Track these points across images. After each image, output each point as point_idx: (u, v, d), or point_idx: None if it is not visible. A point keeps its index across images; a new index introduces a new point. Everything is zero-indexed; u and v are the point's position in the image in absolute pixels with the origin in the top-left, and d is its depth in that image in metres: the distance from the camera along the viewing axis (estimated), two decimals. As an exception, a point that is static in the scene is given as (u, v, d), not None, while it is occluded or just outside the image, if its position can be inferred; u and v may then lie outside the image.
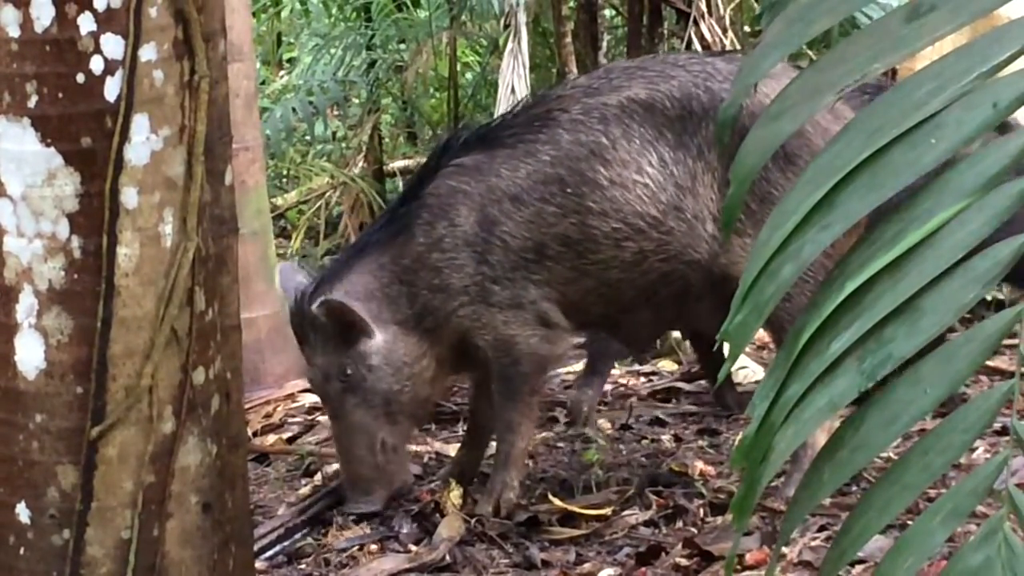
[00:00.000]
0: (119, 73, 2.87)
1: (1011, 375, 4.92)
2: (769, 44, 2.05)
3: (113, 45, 2.86)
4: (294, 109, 9.85)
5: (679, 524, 4.37)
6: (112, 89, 2.87)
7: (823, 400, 1.69)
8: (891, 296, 1.71)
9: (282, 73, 11.95)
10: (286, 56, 12.34)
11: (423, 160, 4.72)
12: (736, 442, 5.01)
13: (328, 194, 10.05)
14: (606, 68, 4.85)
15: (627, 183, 4.38)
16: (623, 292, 4.48)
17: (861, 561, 3.75)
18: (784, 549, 4.00)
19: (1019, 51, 1.79)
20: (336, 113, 11.16)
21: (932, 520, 1.63)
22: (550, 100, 4.55)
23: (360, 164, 10.38)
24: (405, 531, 4.49)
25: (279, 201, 9.98)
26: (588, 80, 4.61)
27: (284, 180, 10.72)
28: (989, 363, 5.00)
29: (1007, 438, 4.16)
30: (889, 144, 1.78)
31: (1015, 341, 1.74)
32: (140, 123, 2.89)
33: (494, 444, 4.91)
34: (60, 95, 2.86)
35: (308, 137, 10.60)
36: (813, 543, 4.00)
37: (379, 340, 4.49)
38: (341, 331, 4.45)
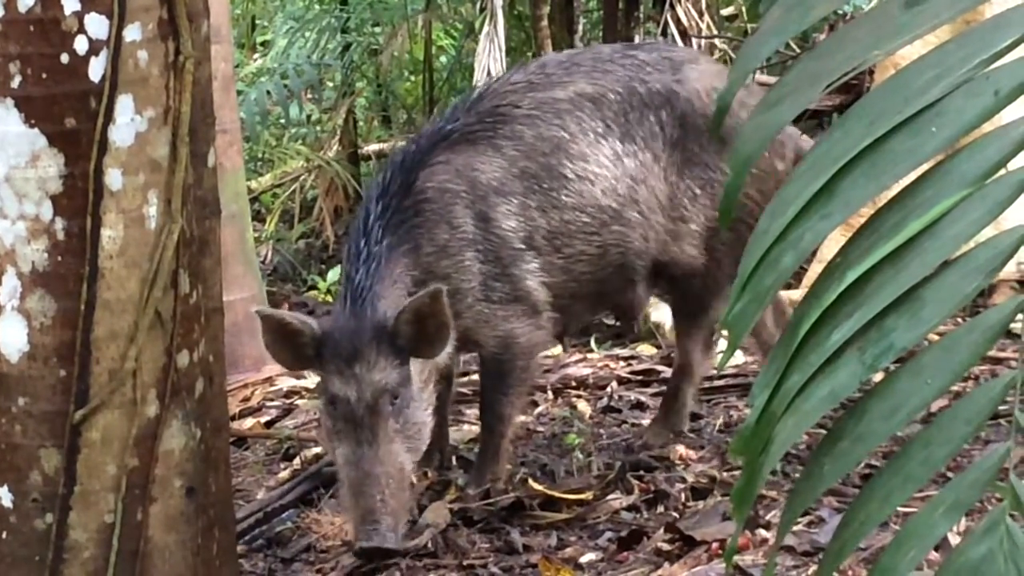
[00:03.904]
0: (103, 53, 2.86)
1: (994, 362, 4.94)
2: (767, 31, 2.03)
3: (97, 25, 2.84)
4: (269, 92, 9.80)
5: (661, 508, 4.36)
6: (96, 70, 2.86)
7: (824, 391, 1.67)
8: (892, 286, 1.69)
9: (256, 56, 11.91)
10: (260, 39, 12.30)
11: (397, 147, 4.53)
12: (716, 426, 5.02)
13: (303, 177, 10.03)
14: (539, 63, 4.74)
15: (590, 176, 4.44)
16: (583, 285, 4.51)
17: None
18: (766, 534, 4.00)
19: (1020, 38, 1.78)
20: (311, 96, 11.12)
21: (934, 513, 1.62)
22: (494, 96, 4.49)
23: (335, 147, 10.35)
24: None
25: (254, 184, 9.94)
26: (525, 75, 4.56)
27: (259, 163, 10.69)
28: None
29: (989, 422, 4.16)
30: (889, 132, 1.76)
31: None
32: (124, 104, 2.88)
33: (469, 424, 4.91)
34: (44, 76, 2.84)
35: (283, 120, 10.56)
36: (796, 527, 3.99)
37: (439, 358, 4.27)
38: (410, 342, 4.15)
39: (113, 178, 2.87)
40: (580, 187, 4.43)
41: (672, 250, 4.52)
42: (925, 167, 1.75)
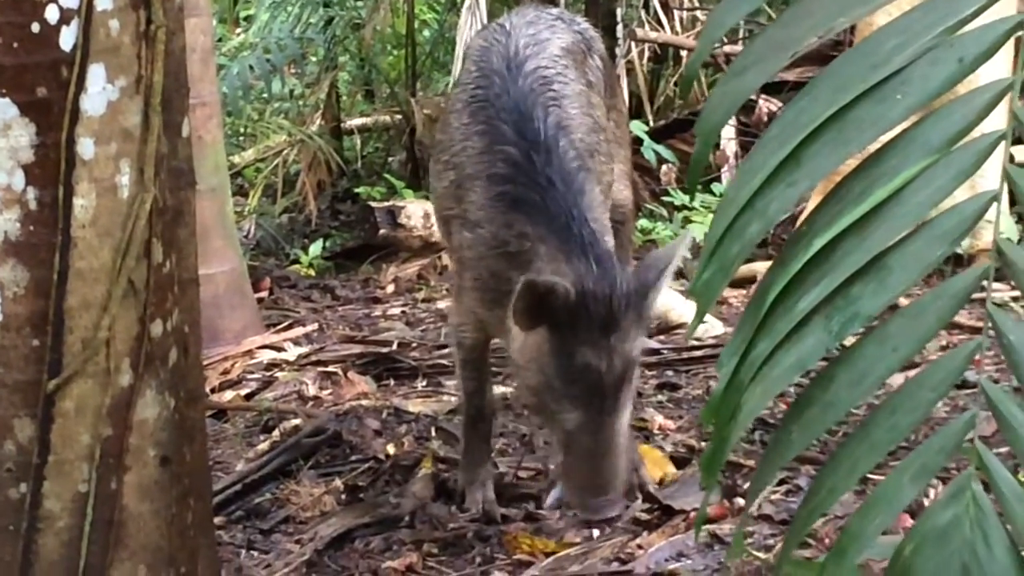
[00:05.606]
0: (75, 22, 2.83)
1: (969, 330, 4.95)
2: (736, -1, 2.02)
3: (68, -6, 2.82)
4: (251, 67, 9.79)
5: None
6: (68, 38, 2.83)
7: (791, 359, 1.67)
8: (858, 254, 1.69)
9: (239, 30, 11.88)
10: (243, 13, 12.27)
11: (520, 110, 4.08)
12: (695, 396, 5.04)
13: (285, 152, 10.01)
14: (504, 25, 4.47)
15: (603, 125, 4.39)
16: None
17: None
18: (743, 502, 4.01)
19: (984, 5, 1.78)
20: (293, 71, 11.10)
21: (901, 478, 1.62)
22: (513, 63, 4.23)
23: (318, 122, 10.35)
24: (367, 486, 4.49)
25: (236, 159, 9.94)
26: (520, 37, 4.33)
27: (241, 138, 10.66)
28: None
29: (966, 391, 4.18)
30: (855, 100, 1.76)
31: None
32: (96, 73, 2.85)
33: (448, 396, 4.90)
34: (15, 44, 2.81)
35: (265, 95, 10.54)
36: (773, 496, 4.01)
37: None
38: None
39: (85, 147, 2.85)
40: (607, 136, 4.43)
41: (612, 192, 4.52)
42: (891, 134, 1.75)
